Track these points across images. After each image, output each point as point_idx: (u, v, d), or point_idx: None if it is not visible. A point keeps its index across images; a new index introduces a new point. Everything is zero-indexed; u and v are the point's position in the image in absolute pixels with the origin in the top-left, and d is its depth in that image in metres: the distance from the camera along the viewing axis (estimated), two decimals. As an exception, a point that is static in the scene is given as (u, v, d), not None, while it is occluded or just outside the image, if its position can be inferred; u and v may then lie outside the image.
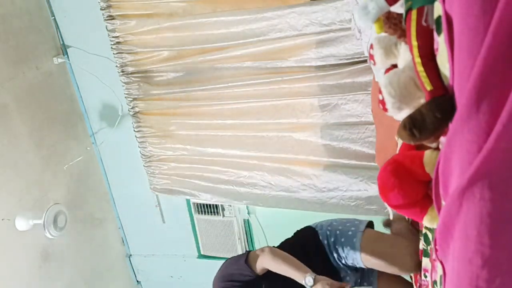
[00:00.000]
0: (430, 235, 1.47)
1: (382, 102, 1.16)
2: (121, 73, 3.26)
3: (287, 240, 2.17)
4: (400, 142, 1.49)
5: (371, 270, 2.05)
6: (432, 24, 1.00)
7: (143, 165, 3.56)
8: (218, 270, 2.04)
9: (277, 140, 3.15)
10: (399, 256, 1.75)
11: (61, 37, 3.40)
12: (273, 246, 2.06)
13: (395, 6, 1.14)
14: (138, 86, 3.27)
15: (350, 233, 1.95)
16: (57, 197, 3.29)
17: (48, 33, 3.33)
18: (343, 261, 1.97)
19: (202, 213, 3.65)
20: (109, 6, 3.08)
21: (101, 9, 3.10)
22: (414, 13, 1.01)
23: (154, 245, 4.00)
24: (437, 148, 1.20)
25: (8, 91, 2.99)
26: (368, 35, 2.07)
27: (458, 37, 0.87)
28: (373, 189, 2.84)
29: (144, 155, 3.51)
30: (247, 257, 1.92)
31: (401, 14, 1.16)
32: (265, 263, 1.87)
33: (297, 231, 2.18)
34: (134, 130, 3.44)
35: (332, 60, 2.81)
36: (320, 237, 2.02)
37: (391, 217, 1.66)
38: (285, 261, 1.83)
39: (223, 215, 3.60)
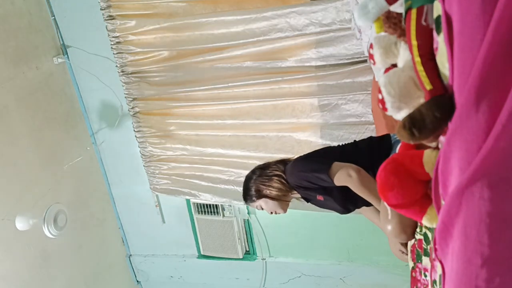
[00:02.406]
0: (430, 235, 1.47)
1: (382, 102, 1.16)
2: (121, 73, 3.26)
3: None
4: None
5: None
6: (431, 23, 1.00)
7: (143, 165, 3.56)
8: (299, 161, 2.04)
9: (277, 140, 3.15)
10: None
11: (61, 37, 3.40)
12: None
13: (394, 5, 1.14)
14: (138, 86, 3.27)
15: None
16: (57, 197, 3.28)
17: (48, 33, 3.33)
18: None
19: (202, 213, 3.65)
20: (109, 6, 3.08)
21: (101, 9, 3.10)
22: (413, 13, 1.01)
23: (154, 245, 4.00)
24: (437, 148, 1.20)
25: (8, 91, 2.99)
26: (368, 34, 2.07)
27: (457, 37, 0.87)
28: (373, 189, 2.84)
29: (144, 155, 3.51)
30: (330, 169, 1.87)
31: (400, 14, 1.16)
32: (349, 186, 1.86)
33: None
34: (134, 130, 3.44)
35: (332, 60, 2.81)
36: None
37: (389, 217, 1.65)
38: (370, 193, 1.82)
39: (223, 215, 3.60)
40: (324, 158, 1.98)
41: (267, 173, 2.11)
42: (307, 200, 2.13)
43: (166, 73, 3.23)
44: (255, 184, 2.11)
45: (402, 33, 1.17)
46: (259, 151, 3.18)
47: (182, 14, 3.02)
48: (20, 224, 2.89)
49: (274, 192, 2.07)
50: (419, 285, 1.63)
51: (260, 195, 2.09)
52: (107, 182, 3.82)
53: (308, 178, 1.96)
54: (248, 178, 2.16)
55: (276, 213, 2.14)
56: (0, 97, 2.93)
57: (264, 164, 2.18)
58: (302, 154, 2.15)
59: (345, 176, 1.83)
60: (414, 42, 1.01)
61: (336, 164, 1.87)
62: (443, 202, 1.01)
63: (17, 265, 2.97)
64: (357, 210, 2.12)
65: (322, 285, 3.62)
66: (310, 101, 2.99)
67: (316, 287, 3.64)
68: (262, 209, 2.15)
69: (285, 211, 2.13)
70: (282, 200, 2.09)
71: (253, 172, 2.17)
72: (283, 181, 2.06)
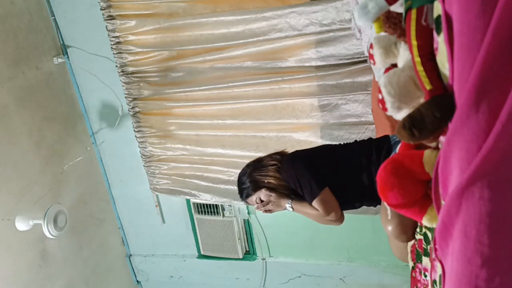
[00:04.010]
0: (430, 235, 1.47)
1: (382, 102, 1.16)
2: (121, 73, 3.26)
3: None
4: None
5: None
6: (431, 23, 1.00)
7: (143, 165, 3.56)
8: (299, 163, 2.02)
9: (277, 140, 3.15)
10: None
11: (61, 37, 3.40)
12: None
13: (394, 5, 1.14)
14: (138, 86, 3.27)
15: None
16: (57, 197, 3.29)
17: (48, 33, 3.33)
18: None
19: (202, 213, 3.65)
20: (109, 6, 3.08)
21: (101, 9, 3.10)
22: (413, 13, 1.01)
23: (154, 245, 4.00)
24: (437, 148, 1.21)
25: (8, 91, 2.98)
26: (368, 34, 2.07)
27: (457, 37, 0.87)
28: (373, 189, 2.84)
29: (144, 155, 3.51)
30: (319, 197, 1.93)
31: (400, 14, 1.16)
32: (316, 214, 1.97)
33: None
34: (134, 130, 3.44)
35: (332, 60, 2.81)
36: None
37: (389, 217, 1.65)
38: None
39: (223, 215, 3.60)
40: (319, 174, 1.96)
41: (262, 164, 2.07)
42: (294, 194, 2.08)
43: (166, 73, 3.23)
44: (250, 176, 2.06)
45: (402, 33, 1.17)
46: (259, 151, 3.17)
47: (182, 14, 3.02)
48: (20, 224, 2.89)
49: (272, 181, 2.02)
50: (419, 285, 1.63)
51: (257, 187, 2.03)
52: (107, 182, 3.82)
53: (295, 183, 1.98)
54: (242, 173, 2.11)
55: (271, 210, 2.05)
56: (0, 97, 2.93)
57: (257, 158, 2.15)
58: (303, 150, 2.14)
59: (324, 212, 1.93)
60: (414, 42, 1.01)
61: (326, 194, 1.93)
62: (443, 202, 1.01)
63: (17, 265, 2.97)
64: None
65: (322, 285, 3.62)
66: (310, 101, 2.99)
67: (316, 287, 3.64)
68: (257, 206, 2.07)
69: (283, 206, 2.05)
70: (280, 192, 2.03)
71: (247, 166, 2.13)
72: (279, 168, 2.03)
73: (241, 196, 2.13)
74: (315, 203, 1.93)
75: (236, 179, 2.19)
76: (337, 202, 1.95)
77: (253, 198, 2.07)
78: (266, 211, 2.07)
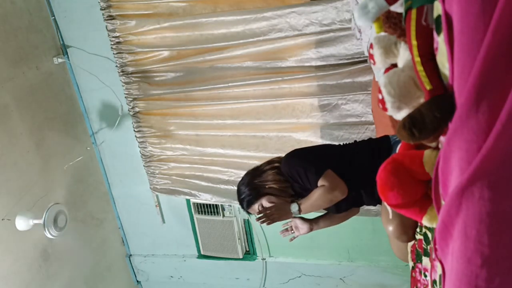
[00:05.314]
0: (430, 235, 1.47)
1: (382, 102, 1.16)
2: (121, 73, 3.26)
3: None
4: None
5: None
6: (431, 23, 1.00)
7: (143, 165, 3.56)
8: (297, 154, 1.99)
9: (277, 140, 3.15)
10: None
11: (61, 37, 3.40)
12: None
13: (394, 5, 1.14)
14: (138, 86, 3.27)
15: None
16: (57, 197, 3.29)
17: (48, 33, 3.33)
18: None
19: (202, 213, 3.65)
20: (109, 6, 3.08)
21: (101, 9, 3.10)
22: (413, 13, 1.01)
23: (154, 245, 4.00)
24: (437, 148, 1.21)
25: (8, 91, 2.98)
26: (368, 34, 2.07)
27: (457, 37, 0.87)
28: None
29: (144, 155, 3.51)
30: (324, 174, 1.86)
31: (400, 14, 1.16)
32: (323, 195, 1.85)
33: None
34: (134, 130, 3.44)
35: (332, 60, 2.81)
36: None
37: (390, 216, 1.65)
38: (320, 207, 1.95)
39: (223, 215, 3.60)
40: (321, 160, 1.93)
41: (261, 170, 2.04)
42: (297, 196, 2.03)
43: (166, 73, 3.23)
44: (250, 184, 2.01)
45: (402, 33, 1.17)
46: (259, 151, 3.18)
47: (182, 14, 3.02)
48: (20, 224, 2.89)
49: (273, 186, 1.96)
50: (419, 285, 1.63)
51: (259, 194, 1.98)
52: (107, 182, 3.82)
53: (299, 172, 1.92)
54: (241, 183, 2.06)
55: (275, 218, 1.92)
56: (0, 97, 2.93)
57: (255, 167, 2.11)
58: (303, 147, 2.13)
59: (331, 185, 1.83)
60: (414, 42, 1.01)
61: (331, 173, 1.87)
62: (443, 202, 1.01)
63: (17, 265, 2.97)
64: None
65: (322, 285, 3.62)
66: (310, 101, 2.99)
67: (316, 287, 3.64)
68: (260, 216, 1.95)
69: (287, 211, 1.92)
70: (283, 196, 1.98)
71: (245, 175, 2.09)
72: (279, 171, 1.98)
73: (242, 206, 2.06)
74: (321, 180, 1.84)
75: (236, 179, 2.17)
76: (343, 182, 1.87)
77: (256, 206, 2.00)
78: (270, 221, 1.93)
